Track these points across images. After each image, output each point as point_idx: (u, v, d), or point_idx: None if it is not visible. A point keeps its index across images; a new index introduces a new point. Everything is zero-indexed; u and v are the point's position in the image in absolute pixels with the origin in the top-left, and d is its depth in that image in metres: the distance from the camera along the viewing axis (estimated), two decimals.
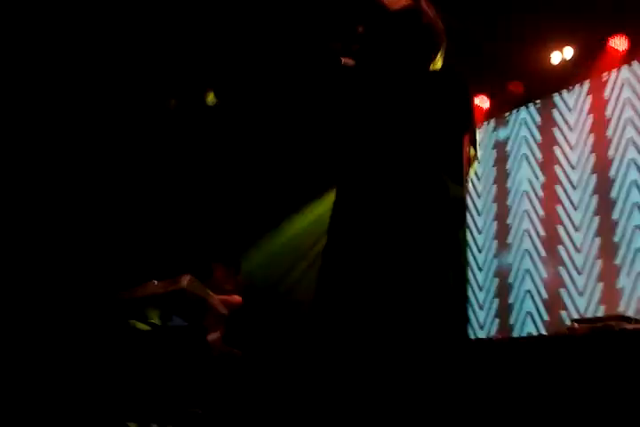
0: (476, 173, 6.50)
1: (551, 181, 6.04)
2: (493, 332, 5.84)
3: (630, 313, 4.56)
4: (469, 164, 2.34)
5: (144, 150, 5.45)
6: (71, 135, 5.09)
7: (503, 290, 6.04)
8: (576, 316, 5.14)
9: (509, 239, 6.17)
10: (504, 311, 5.93)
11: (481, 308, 6.09)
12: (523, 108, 6.50)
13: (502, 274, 6.10)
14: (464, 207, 2.43)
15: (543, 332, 5.39)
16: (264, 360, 4.56)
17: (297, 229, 6.46)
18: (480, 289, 6.19)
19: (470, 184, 6.38)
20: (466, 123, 2.30)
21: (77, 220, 4.77)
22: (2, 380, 3.74)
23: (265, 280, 5.72)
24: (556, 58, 6.07)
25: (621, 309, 4.94)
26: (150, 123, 5.45)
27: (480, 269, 6.26)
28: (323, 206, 6.24)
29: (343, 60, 2.35)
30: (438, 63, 2.37)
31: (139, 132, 5.41)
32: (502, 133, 6.60)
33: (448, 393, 2.19)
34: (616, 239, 5.35)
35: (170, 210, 5.28)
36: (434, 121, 2.25)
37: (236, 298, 4.24)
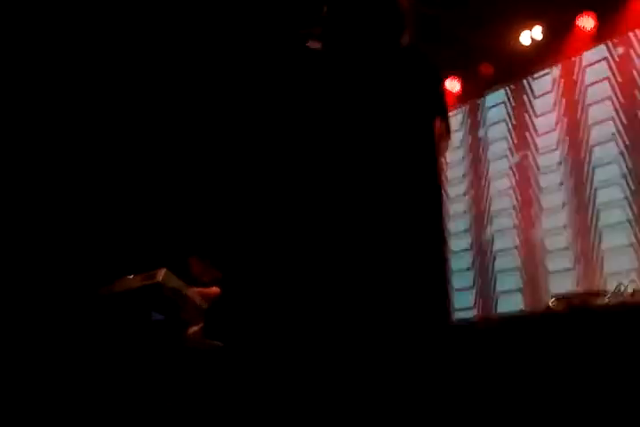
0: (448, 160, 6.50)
1: (525, 164, 6.06)
2: (476, 312, 5.85)
3: (607, 288, 4.59)
4: (443, 139, 2.33)
5: (119, 144, 5.39)
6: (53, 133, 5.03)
7: (483, 270, 6.05)
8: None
9: (486, 222, 6.19)
10: (485, 291, 5.95)
11: (463, 289, 6.10)
12: (494, 92, 6.50)
13: (482, 254, 6.12)
14: (439, 190, 2.41)
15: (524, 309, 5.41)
16: (245, 352, 4.52)
17: None
18: (460, 271, 6.18)
19: (445, 170, 6.37)
20: (436, 101, 2.28)
21: (50, 215, 4.69)
22: None
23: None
24: (525, 38, 6.07)
25: (599, 284, 4.98)
26: (128, 119, 5.39)
27: (459, 252, 6.26)
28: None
29: (309, 43, 2.32)
30: (404, 42, 2.35)
31: (116, 128, 5.34)
32: (475, 117, 6.59)
33: (433, 376, 2.18)
34: (589, 217, 5.39)
35: (145, 203, 5.21)
36: (404, 101, 2.23)
37: (214, 290, 4.20)
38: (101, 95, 5.25)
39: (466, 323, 5.08)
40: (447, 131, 2.31)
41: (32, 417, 3.51)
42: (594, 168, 5.55)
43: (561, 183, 5.73)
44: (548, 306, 4.39)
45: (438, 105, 2.29)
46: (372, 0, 2.27)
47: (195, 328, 4.09)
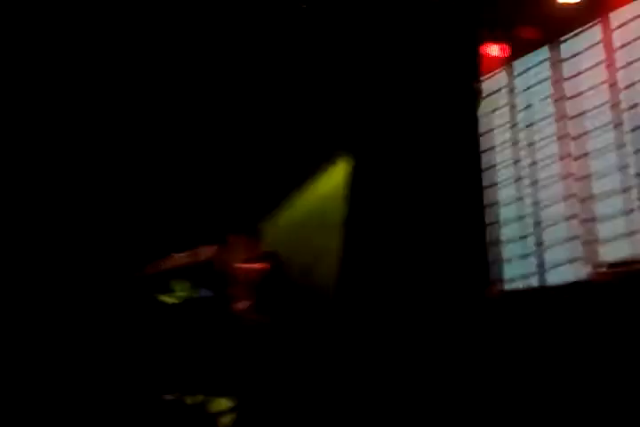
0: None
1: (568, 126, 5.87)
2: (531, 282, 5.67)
3: None
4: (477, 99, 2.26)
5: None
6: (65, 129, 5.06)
7: (537, 239, 5.86)
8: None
9: (536, 188, 6.01)
10: (537, 261, 5.78)
11: (511, 260, 5.93)
12: (534, 54, 6.30)
13: (535, 223, 5.93)
14: (478, 153, 2.33)
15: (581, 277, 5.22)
16: (293, 327, 4.50)
17: (317, 196, 6.33)
18: (513, 240, 6.00)
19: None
20: (469, 61, 2.21)
21: (93, 199, 4.73)
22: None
23: (289, 247, 5.63)
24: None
25: None
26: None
27: (510, 221, 6.07)
28: (339, 173, 6.12)
29: None
30: None
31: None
32: (515, 81, 6.39)
33: (473, 343, 2.15)
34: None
35: (185, 184, 5.22)
36: (437, 60, 2.17)
37: (261, 265, 4.16)
38: (98, 94, 5.27)
39: (510, 293, 4.96)
40: (479, 91, 2.24)
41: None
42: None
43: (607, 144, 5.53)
44: (604, 273, 4.24)
45: (471, 65, 2.22)
46: None
47: (244, 303, 4.06)
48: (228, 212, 5.04)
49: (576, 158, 5.76)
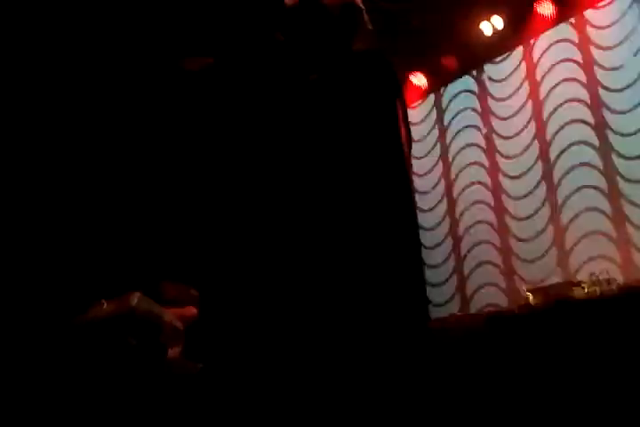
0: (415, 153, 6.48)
1: (493, 150, 6.06)
2: (453, 309, 5.85)
3: (583, 276, 4.61)
4: (408, 140, 2.30)
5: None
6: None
7: (458, 265, 6.06)
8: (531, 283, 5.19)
9: (458, 214, 6.19)
10: (461, 286, 5.96)
11: (437, 285, 6.10)
12: (458, 81, 6.47)
13: (455, 249, 6.12)
14: (410, 190, 2.38)
15: (501, 303, 5.43)
16: (228, 372, 4.50)
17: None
18: (434, 267, 6.19)
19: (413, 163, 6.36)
20: (395, 94, 2.24)
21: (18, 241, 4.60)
22: None
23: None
24: (486, 28, 6.05)
25: (574, 271, 5.00)
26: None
27: (432, 247, 6.25)
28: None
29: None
30: (360, 47, 2.31)
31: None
32: (441, 107, 6.57)
33: (411, 376, 2.16)
34: (560, 203, 5.40)
35: (115, 225, 5.14)
36: (363, 109, 2.19)
37: (191, 310, 4.15)
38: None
39: (447, 321, 5.09)
40: (409, 136, 2.29)
41: None
42: (561, 151, 5.56)
43: (529, 169, 5.74)
44: (527, 299, 4.40)
45: (399, 111, 2.26)
46: (322, 6, 2.23)
47: (174, 350, 4.05)
48: (158, 256, 5.00)
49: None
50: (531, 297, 4.38)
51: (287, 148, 2.28)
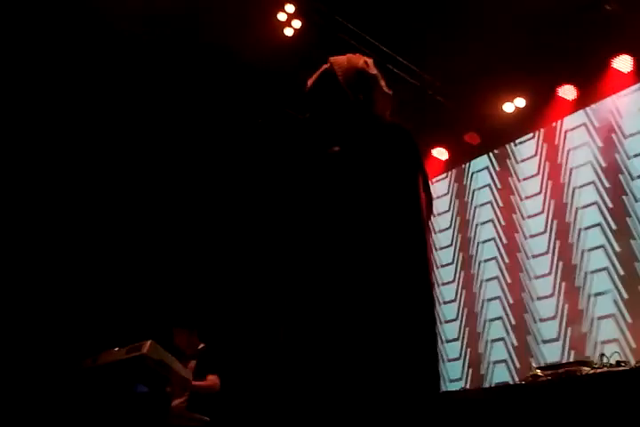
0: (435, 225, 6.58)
1: (511, 228, 6.13)
2: (466, 384, 5.79)
3: (594, 358, 4.57)
4: (429, 208, 2.38)
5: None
6: None
7: (472, 340, 6.03)
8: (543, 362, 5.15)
9: (475, 288, 6.20)
10: (475, 361, 5.91)
11: (451, 360, 6.05)
12: (480, 158, 6.63)
13: (470, 324, 6.11)
14: (428, 260, 2.43)
15: (514, 379, 5.36)
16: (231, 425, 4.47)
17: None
18: (449, 341, 6.16)
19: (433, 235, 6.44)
20: (416, 164, 2.33)
21: (32, 285, 4.70)
22: None
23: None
24: (508, 107, 6.25)
25: (587, 353, 4.96)
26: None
27: (447, 322, 6.25)
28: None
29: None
30: (385, 119, 2.44)
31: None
32: (462, 183, 6.70)
33: None
34: (577, 285, 5.42)
35: (127, 275, 5.23)
36: (385, 168, 2.28)
37: (212, 383, 4.21)
38: None
39: (455, 393, 5.03)
40: (430, 203, 2.36)
41: None
42: (579, 231, 5.61)
43: (547, 248, 5.78)
44: (533, 376, 4.35)
45: (420, 179, 2.34)
46: (350, 79, 2.38)
47: (179, 401, 4.05)
48: (168, 306, 5.06)
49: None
50: (539, 372, 4.33)
51: (314, 216, 2.37)
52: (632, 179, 5.36)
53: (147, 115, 5.50)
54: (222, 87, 5.56)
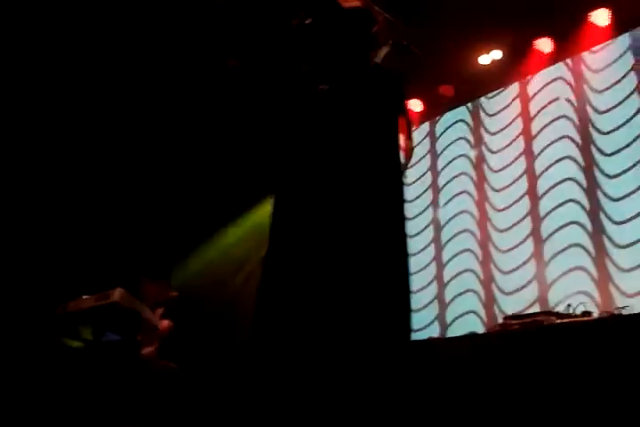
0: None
1: (482, 182, 6.15)
2: (434, 333, 5.88)
3: (560, 308, 4.66)
4: (408, 155, 2.38)
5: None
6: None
7: (440, 291, 6.11)
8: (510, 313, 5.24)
9: (444, 241, 6.25)
10: (442, 312, 6.01)
11: (417, 311, 6.13)
12: (455, 111, 6.60)
13: (438, 275, 6.18)
14: (402, 204, 2.44)
15: (480, 330, 5.46)
16: (201, 374, 4.50)
17: (232, 239, 6.41)
18: (416, 291, 6.22)
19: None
20: (397, 107, 2.33)
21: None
22: None
23: (201, 290, 5.64)
24: (484, 60, 6.18)
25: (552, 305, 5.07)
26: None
27: (415, 273, 6.30)
28: (258, 215, 6.21)
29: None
30: (375, 60, 2.44)
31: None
32: (435, 135, 6.69)
33: (387, 395, 2.19)
34: (544, 237, 5.49)
35: (98, 223, 5.15)
36: (371, 117, 2.27)
37: (167, 323, 4.18)
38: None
39: (423, 342, 5.11)
40: (411, 147, 2.37)
41: None
42: (550, 186, 5.65)
43: (517, 203, 5.83)
44: (501, 325, 4.43)
45: (404, 124, 2.35)
46: (359, 18, 2.34)
47: (150, 349, 4.05)
48: (139, 254, 5.01)
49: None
50: (506, 322, 4.40)
51: (293, 150, 2.34)
52: (601, 134, 5.39)
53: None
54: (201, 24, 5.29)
